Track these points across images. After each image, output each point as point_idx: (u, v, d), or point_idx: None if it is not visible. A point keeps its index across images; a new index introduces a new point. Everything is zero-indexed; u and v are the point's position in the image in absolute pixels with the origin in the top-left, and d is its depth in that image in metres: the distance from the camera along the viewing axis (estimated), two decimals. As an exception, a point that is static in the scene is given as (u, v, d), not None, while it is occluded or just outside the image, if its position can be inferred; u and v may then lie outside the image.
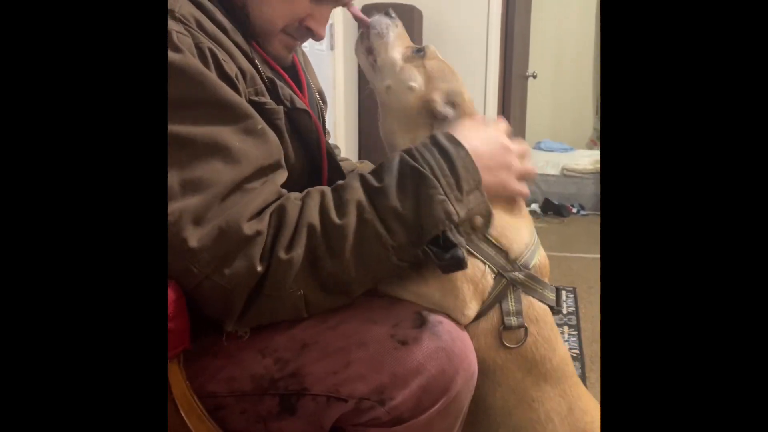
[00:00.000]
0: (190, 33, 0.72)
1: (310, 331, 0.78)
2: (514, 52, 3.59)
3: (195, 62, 0.69)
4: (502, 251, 0.84)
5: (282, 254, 0.69)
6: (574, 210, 4.66)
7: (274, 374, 0.76)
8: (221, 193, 0.68)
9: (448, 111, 0.90)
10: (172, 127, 0.66)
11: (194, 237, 0.67)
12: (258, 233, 0.69)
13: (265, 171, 0.73)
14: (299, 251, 0.70)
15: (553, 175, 4.85)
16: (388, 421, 0.75)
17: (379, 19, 0.94)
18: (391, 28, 0.94)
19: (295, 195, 0.75)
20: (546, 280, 0.89)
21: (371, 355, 0.74)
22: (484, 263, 0.83)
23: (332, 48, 2.97)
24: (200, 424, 0.75)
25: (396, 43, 0.93)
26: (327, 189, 0.75)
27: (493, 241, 0.84)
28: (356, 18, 0.96)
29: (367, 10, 3.59)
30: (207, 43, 0.73)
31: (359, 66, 1.00)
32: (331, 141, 1.03)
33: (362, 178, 0.75)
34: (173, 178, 0.66)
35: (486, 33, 3.49)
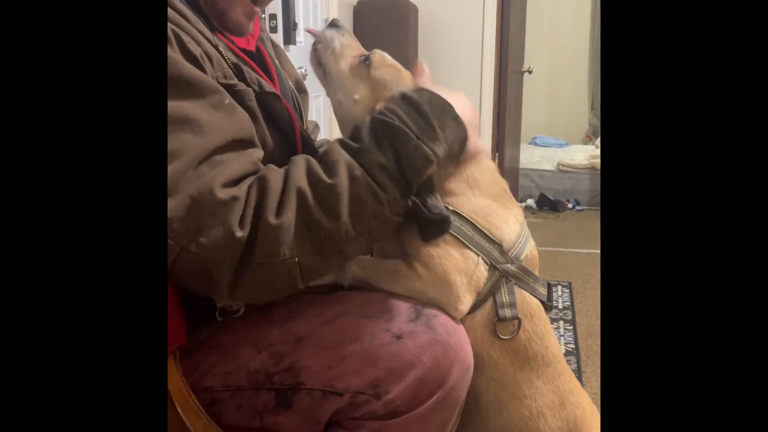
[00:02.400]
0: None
1: (305, 325, 0.78)
2: (509, 48, 3.59)
3: None
4: (495, 243, 0.85)
5: (272, 219, 0.68)
6: (570, 205, 4.67)
7: (270, 369, 0.76)
8: (191, 163, 0.66)
9: None
10: None
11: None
12: (234, 198, 0.67)
13: (238, 144, 0.72)
14: (290, 214, 0.69)
15: (548, 171, 4.86)
16: (384, 415, 0.75)
17: (324, 32, 0.95)
18: (336, 39, 0.94)
19: (276, 167, 0.74)
20: (536, 272, 0.89)
21: (366, 349, 0.74)
22: (477, 255, 0.83)
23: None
24: (196, 419, 0.75)
25: (343, 53, 0.94)
26: (309, 156, 0.75)
27: (486, 232, 0.84)
28: (309, 32, 0.98)
29: (361, 8, 3.56)
30: (169, 24, 0.72)
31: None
32: (322, 135, 1.03)
33: (341, 142, 0.75)
34: None
35: (482, 28, 3.49)
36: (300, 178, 0.71)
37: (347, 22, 3.14)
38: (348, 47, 0.95)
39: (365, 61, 0.93)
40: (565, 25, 5.55)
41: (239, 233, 0.66)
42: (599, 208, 4.82)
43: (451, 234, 0.83)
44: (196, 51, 0.73)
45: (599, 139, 5.38)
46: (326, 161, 0.73)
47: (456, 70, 3.53)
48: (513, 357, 0.86)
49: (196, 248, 0.66)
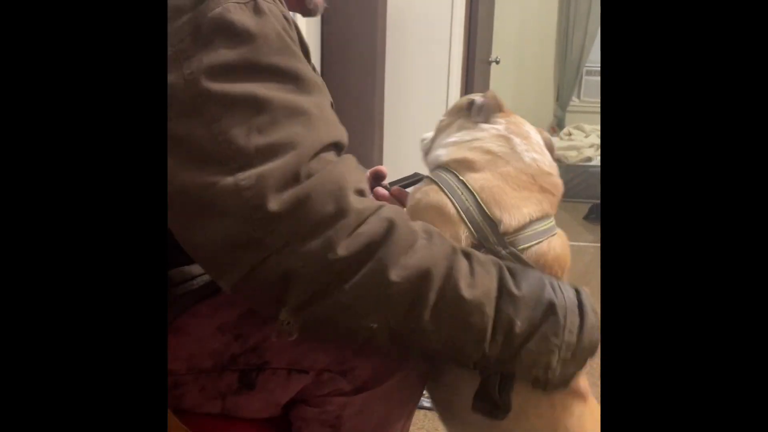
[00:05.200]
0: (276, 3, 0.67)
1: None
2: (477, 37, 3.61)
3: (278, 29, 0.65)
4: (491, 221, 0.80)
5: (392, 275, 0.61)
6: (533, 196, 4.72)
7: (235, 350, 0.76)
8: (304, 157, 0.62)
9: (483, 99, 0.94)
10: (248, 87, 0.61)
11: (275, 202, 0.59)
12: (342, 213, 0.61)
13: (339, 148, 0.68)
14: (405, 284, 0.62)
15: (513, 161, 4.89)
16: (350, 391, 0.75)
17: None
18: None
19: (407, 216, 0.68)
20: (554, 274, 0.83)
21: None
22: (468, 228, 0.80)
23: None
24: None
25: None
26: (456, 245, 0.69)
27: (484, 208, 0.80)
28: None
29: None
30: (287, 12, 0.68)
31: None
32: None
33: (500, 270, 0.70)
34: (248, 142, 0.60)
35: (450, 18, 3.49)
36: (437, 261, 0.65)
37: None
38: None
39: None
40: (533, 16, 5.59)
41: (342, 252, 0.60)
42: (562, 199, 4.92)
43: (447, 196, 0.81)
44: (306, 42, 0.70)
45: (563, 130, 5.46)
46: (473, 268, 0.68)
47: (424, 58, 3.53)
48: None
49: (289, 254, 0.60)
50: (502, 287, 0.68)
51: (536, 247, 0.81)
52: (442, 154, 0.91)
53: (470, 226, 0.79)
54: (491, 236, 0.79)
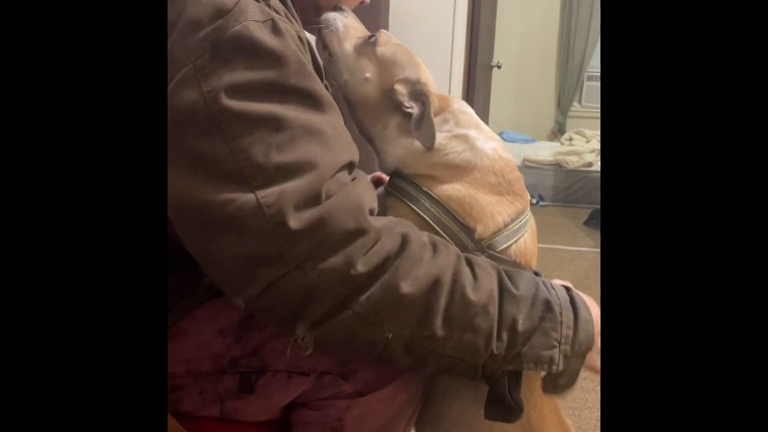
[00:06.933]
0: (289, 21, 0.68)
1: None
2: (479, 42, 3.62)
3: (295, 50, 0.65)
4: (468, 229, 0.82)
5: (403, 286, 0.63)
6: (534, 201, 4.73)
7: (235, 353, 0.76)
8: (324, 178, 0.63)
9: (414, 108, 0.87)
10: (267, 107, 0.62)
11: (296, 220, 0.60)
12: (361, 232, 0.63)
13: (352, 166, 0.69)
14: (416, 294, 0.64)
15: (514, 166, 4.89)
16: (352, 394, 0.75)
17: (327, 15, 0.92)
18: (339, 20, 0.92)
19: (417, 230, 0.70)
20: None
21: None
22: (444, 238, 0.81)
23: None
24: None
25: (346, 34, 0.92)
26: (459, 252, 0.71)
27: (458, 217, 0.82)
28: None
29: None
30: (301, 32, 0.69)
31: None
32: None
33: (499, 272, 0.72)
34: (267, 160, 0.61)
35: (452, 22, 3.50)
36: (445, 269, 0.67)
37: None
38: (352, 28, 0.93)
39: (370, 40, 0.91)
40: (535, 21, 5.60)
41: (362, 268, 0.62)
42: (562, 204, 4.91)
43: (417, 213, 0.81)
44: (318, 60, 0.70)
45: (564, 135, 5.47)
46: (475, 273, 0.69)
47: (426, 62, 3.53)
48: None
49: (309, 269, 0.61)
50: (502, 288, 0.70)
51: (514, 246, 0.84)
52: (399, 165, 0.88)
53: (446, 236, 0.80)
54: (469, 243, 0.81)
